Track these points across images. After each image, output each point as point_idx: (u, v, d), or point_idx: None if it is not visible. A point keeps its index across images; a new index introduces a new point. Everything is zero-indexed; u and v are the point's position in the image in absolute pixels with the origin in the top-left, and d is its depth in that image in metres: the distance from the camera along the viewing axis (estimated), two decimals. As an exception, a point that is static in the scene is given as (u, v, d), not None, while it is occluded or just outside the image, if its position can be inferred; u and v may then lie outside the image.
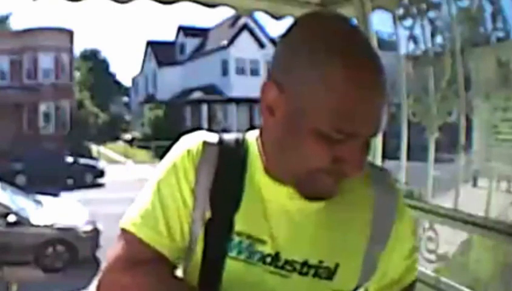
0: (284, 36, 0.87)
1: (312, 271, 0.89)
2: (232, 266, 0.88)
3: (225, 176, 0.90)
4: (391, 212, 0.96)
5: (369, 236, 0.93)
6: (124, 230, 0.91)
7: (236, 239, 0.88)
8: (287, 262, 0.89)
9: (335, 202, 0.90)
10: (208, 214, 0.89)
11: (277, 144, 0.86)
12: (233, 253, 0.88)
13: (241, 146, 0.94)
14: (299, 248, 0.89)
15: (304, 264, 0.89)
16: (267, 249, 0.89)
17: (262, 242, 0.89)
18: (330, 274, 0.90)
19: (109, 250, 0.91)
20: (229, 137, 0.96)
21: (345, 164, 0.81)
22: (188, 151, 0.91)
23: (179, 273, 0.94)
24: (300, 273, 0.89)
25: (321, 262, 0.90)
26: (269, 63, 0.89)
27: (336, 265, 0.90)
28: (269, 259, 0.89)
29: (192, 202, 0.89)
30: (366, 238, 0.93)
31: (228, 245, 0.88)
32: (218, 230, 0.89)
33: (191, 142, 0.93)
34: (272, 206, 0.90)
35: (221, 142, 0.94)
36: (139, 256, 0.88)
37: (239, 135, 0.97)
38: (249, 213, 0.89)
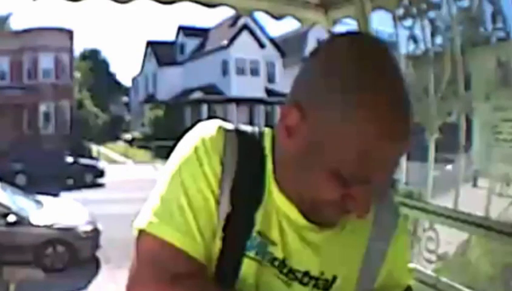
0: (314, 56, 0.83)
1: (312, 282, 0.89)
2: (248, 266, 0.85)
3: (248, 170, 0.86)
4: (392, 224, 0.96)
5: (368, 248, 0.93)
6: (143, 232, 0.82)
7: (258, 238, 0.85)
8: (290, 270, 0.88)
9: None
10: (228, 208, 0.84)
11: (289, 164, 0.84)
12: (251, 253, 0.85)
13: (259, 143, 0.90)
14: (303, 258, 0.88)
15: (306, 274, 0.88)
16: (276, 252, 0.87)
17: (274, 244, 0.86)
18: (327, 285, 0.90)
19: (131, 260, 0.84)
20: (245, 128, 0.91)
21: (352, 202, 0.79)
22: (211, 138, 0.85)
23: None
24: (301, 283, 0.88)
25: (322, 273, 0.89)
26: (291, 85, 0.84)
27: (334, 277, 0.90)
28: (277, 263, 0.87)
29: (218, 191, 0.83)
30: (364, 250, 0.93)
31: (247, 243, 0.84)
32: (239, 227, 0.84)
33: (211, 129, 0.87)
34: (281, 213, 0.87)
35: (238, 132, 0.89)
36: (173, 266, 0.80)
37: (255, 129, 0.92)
38: (267, 213, 0.86)
